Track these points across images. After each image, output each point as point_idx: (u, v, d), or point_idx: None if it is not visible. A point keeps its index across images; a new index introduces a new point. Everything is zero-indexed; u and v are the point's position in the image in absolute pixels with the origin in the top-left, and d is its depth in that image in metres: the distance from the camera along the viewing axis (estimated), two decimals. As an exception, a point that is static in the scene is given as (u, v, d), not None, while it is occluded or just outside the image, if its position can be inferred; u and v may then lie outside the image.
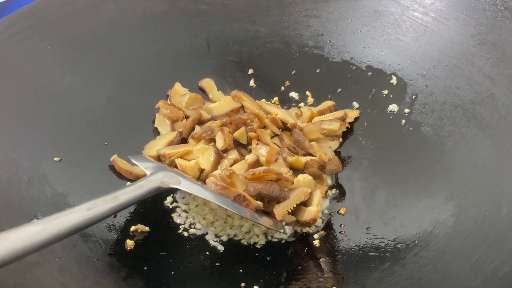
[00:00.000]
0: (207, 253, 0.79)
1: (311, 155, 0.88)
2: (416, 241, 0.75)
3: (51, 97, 0.93)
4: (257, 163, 0.84)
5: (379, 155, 0.91)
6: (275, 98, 1.03)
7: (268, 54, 1.07)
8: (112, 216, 0.81)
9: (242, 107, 0.97)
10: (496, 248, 0.67)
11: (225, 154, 0.88)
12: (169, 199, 0.87)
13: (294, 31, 1.08)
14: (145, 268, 0.74)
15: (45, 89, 0.94)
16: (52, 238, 0.60)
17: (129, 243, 0.78)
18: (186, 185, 0.77)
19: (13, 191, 0.79)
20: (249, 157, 0.85)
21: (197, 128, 0.93)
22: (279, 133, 0.93)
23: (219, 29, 1.08)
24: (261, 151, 0.86)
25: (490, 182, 0.76)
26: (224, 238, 0.81)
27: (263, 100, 1.01)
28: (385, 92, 0.98)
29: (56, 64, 0.97)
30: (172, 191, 0.88)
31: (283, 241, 0.80)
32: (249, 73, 1.06)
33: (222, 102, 0.98)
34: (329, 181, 0.89)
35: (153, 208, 0.86)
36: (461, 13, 0.93)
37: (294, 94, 1.03)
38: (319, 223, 0.83)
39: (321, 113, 0.98)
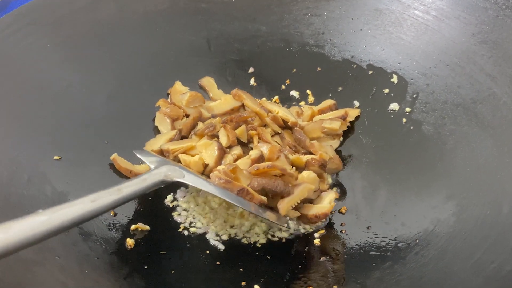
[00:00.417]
0: (208, 252, 0.79)
1: (312, 153, 0.88)
2: (417, 240, 0.75)
3: (51, 96, 0.93)
4: (261, 159, 0.84)
5: (380, 154, 0.91)
6: (276, 97, 1.03)
7: (268, 52, 1.07)
8: (112, 214, 0.81)
9: (243, 105, 0.97)
10: (497, 248, 0.67)
11: (228, 150, 0.87)
12: (169, 197, 0.87)
13: (295, 30, 1.07)
14: (146, 267, 0.74)
15: (45, 88, 0.93)
16: (56, 229, 0.59)
17: (129, 242, 0.77)
18: (190, 179, 0.76)
19: (13, 190, 0.78)
20: (253, 153, 0.85)
21: (200, 125, 0.93)
22: (280, 132, 0.93)
23: (219, 28, 1.08)
24: (262, 149, 0.86)
25: (491, 181, 0.76)
26: (225, 237, 0.81)
27: (264, 98, 1.01)
28: (386, 91, 0.97)
29: (56, 63, 0.97)
30: (173, 189, 0.88)
31: (284, 240, 0.80)
32: (249, 71, 1.06)
33: (222, 101, 0.98)
34: (329, 180, 0.89)
35: (154, 206, 0.86)
36: (463, 11, 0.93)
37: (294, 93, 1.03)
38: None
39: (322, 112, 0.97)
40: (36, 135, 0.87)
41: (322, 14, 1.06)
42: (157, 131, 0.96)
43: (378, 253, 0.75)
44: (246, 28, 1.08)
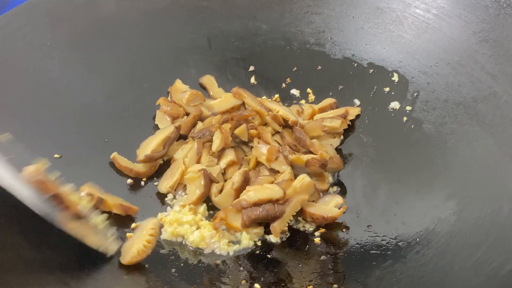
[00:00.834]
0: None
1: (312, 153, 0.87)
2: (417, 239, 0.75)
3: (51, 93, 0.93)
4: (244, 184, 0.83)
5: (381, 153, 0.91)
6: (276, 96, 1.03)
7: (269, 51, 1.07)
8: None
9: (243, 104, 0.96)
10: (498, 247, 0.67)
11: (219, 159, 0.89)
12: (169, 196, 0.86)
13: (295, 28, 1.07)
14: (146, 266, 0.74)
15: (45, 86, 0.93)
16: None
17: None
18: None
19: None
20: (235, 179, 0.83)
21: (200, 124, 0.93)
22: (280, 131, 0.93)
23: (220, 26, 1.08)
24: (262, 150, 0.86)
25: (492, 180, 0.76)
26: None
27: (264, 97, 1.01)
28: (387, 89, 0.97)
29: (56, 61, 0.97)
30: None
31: (284, 239, 0.80)
32: (250, 70, 1.06)
33: (223, 99, 0.97)
34: (330, 179, 0.89)
35: (154, 205, 0.86)
36: (463, 10, 0.93)
37: (295, 91, 1.03)
38: None
39: (323, 110, 0.97)
40: (36, 133, 0.87)
41: (323, 12, 1.06)
42: (157, 129, 0.95)
43: (379, 252, 0.75)
44: (246, 26, 1.08)
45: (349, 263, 0.75)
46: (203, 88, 1.04)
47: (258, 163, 0.88)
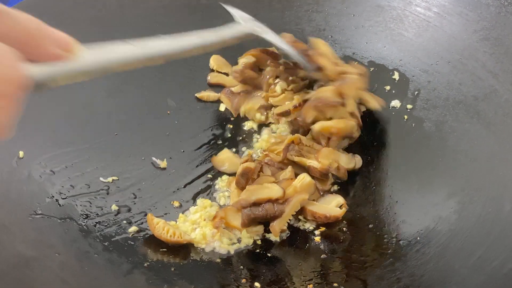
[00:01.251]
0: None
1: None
2: (418, 238, 0.75)
3: (50, 91, 0.91)
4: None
5: (381, 151, 0.91)
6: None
7: (269, 49, 1.06)
8: (114, 209, 0.81)
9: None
10: (499, 245, 0.66)
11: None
12: (176, 203, 0.86)
13: (296, 26, 1.07)
14: (145, 265, 0.74)
15: (45, 84, 0.93)
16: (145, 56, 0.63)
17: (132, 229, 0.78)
18: (270, 36, 0.87)
19: (13, 186, 0.78)
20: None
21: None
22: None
23: (220, 24, 1.07)
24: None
25: (493, 178, 0.76)
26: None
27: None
28: (387, 87, 0.97)
29: (56, 58, 0.96)
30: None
31: (284, 238, 0.80)
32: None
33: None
34: (331, 179, 0.88)
35: (157, 203, 0.86)
36: (464, 8, 0.93)
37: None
38: None
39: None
40: (36, 130, 0.87)
41: (323, 10, 1.06)
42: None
43: (379, 250, 0.75)
44: (246, 25, 1.08)
45: (349, 261, 0.74)
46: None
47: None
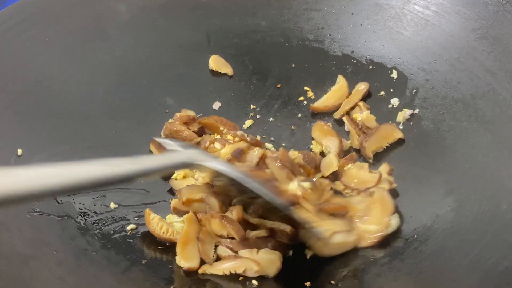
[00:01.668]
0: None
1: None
2: (415, 236, 0.75)
3: (50, 90, 0.93)
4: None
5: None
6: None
7: (268, 47, 1.06)
8: (112, 207, 0.82)
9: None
10: (495, 243, 0.66)
11: None
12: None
13: (295, 25, 1.07)
14: (143, 262, 0.74)
15: (44, 82, 0.93)
16: (61, 187, 0.54)
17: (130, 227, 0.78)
18: (214, 164, 0.73)
19: (11, 184, 0.78)
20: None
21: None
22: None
23: (218, 22, 1.08)
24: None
25: (490, 177, 0.76)
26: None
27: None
28: (386, 86, 0.97)
29: (55, 57, 0.97)
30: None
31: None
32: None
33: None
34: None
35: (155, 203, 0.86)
36: (463, 6, 0.93)
37: (294, 89, 1.03)
38: None
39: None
40: (34, 129, 0.87)
41: (322, 9, 1.06)
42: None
43: (376, 248, 0.75)
44: (245, 23, 1.08)
45: (346, 259, 0.75)
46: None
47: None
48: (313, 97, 1.01)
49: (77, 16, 1.02)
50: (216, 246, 0.76)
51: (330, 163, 0.87)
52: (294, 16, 1.07)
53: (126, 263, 0.74)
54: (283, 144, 0.96)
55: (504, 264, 0.63)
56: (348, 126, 0.94)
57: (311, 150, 0.94)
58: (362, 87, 0.98)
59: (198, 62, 1.05)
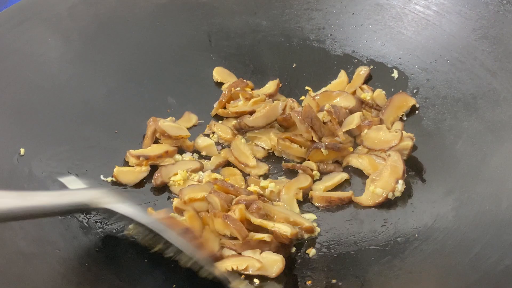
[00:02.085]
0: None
1: None
2: (416, 235, 0.75)
3: (52, 89, 0.93)
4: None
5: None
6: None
7: (269, 47, 1.07)
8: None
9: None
10: (496, 242, 0.67)
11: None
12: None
13: (296, 24, 1.07)
14: (146, 260, 0.74)
15: (46, 81, 0.94)
16: None
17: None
18: (122, 208, 0.65)
19: (13, 184, 0.79)
20: None
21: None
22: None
23: (220, 22, 1.08)
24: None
25: (491, 176, 0.76)
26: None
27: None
28: (387, 86, 0.97)
29: (57, 56, 0.97)
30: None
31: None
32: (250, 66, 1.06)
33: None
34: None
35: (158, 200, 0.86)
36: (463, 6, 0.93)
37: (294, 88, 1.03)
38: None
39: None
40: (37, 128, 0.88)
41: (323, 8, 1.06)
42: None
43: (377, 247, 0.75)
44: (246, 23, 1.08)
45: (348, 258, 0.75)
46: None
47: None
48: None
49: (78, 16, 1.02)
50: (221, 248, 0.76)
51: (352, 120, 0.89)
52: (295, 15, 1.07)
53: (128, 262, 0.74)
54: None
55: (505, 263, 0.63)
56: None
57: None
58: (362, 71, 1.00)
59: (199, 61, 1.06)
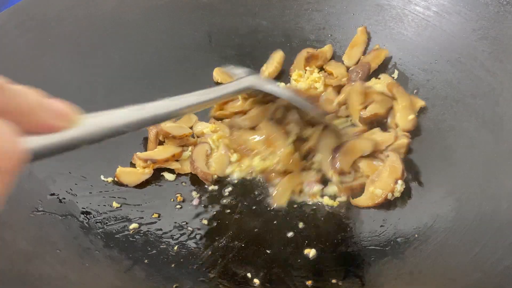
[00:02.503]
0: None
1: None
2: (416, 235, 0.75)
3: (51, 90, 0.91)
4: None
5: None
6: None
7: (269, 47, 1.06)
8: (115, 206, 0.82)
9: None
10: (495, 243, 0.67)
11: None
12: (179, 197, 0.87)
13: (296, 25, 1.07)
14: (146, 261, 0.74)
15: (46, 82, 0.93)
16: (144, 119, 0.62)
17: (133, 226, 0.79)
18: (271, 88, 0.83)
19: (14, 183, 0.79)
20: None
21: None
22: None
23: (220, 22, 1.08)
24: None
25: (491, 176, 0.76)
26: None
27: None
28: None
29: (57, 57, 0.97)
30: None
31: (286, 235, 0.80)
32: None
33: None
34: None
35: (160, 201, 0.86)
36: (463, 7, 0.93)
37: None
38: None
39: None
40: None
41: (323, 9, 1.06)
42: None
43: (377, 247, 0.75)
44: (247, 23, 1.08)
45: (348, 258, 0.75)
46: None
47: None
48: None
49: (79, 17, 1.02)
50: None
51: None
52: (295, 16, 1.08)
53: (128, 262, 0.74)
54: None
55: (505, 264, 0.63)
56: None
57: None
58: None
59: (199, 62, 1.06)
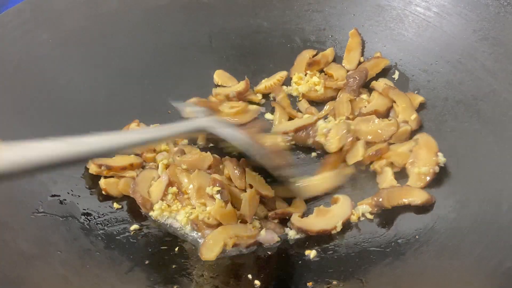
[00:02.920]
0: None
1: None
2: (417, 237, 0.75)
3: (52, 90, 0.93)
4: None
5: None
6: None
7: (270, 48, 1.07)
8: (115, 207, 0.82)
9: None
10: (497, 244, 0.67)
11: None
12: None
13: (296, 25, 1.07)
14: (146, 262, 0.74)
15: (47, 82, 0.94)
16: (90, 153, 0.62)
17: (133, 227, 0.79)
18: (226, 133, 0.79)
19: (15, 185, 0.79)
20: None
21: None
22: None
23: (221, 23, 1.08)
24: None
25: (491, 178, 0.76)
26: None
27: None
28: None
29: (58, 57, 0.97)
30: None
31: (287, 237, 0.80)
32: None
33: None
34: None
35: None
36: (464, 8, 0.93)
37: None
38: None
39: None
40: (38, 129, 0.88)
41: (324, 10, 1.06)
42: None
43: (378, 249, 0.75)
44: (247, 24, 1.08)
45: (349, 260, 0.75)
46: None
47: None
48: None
49: (80, 17, 1.02)
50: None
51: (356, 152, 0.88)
52: (296, 17, 1.08)
53: (129, 264, 0.74)
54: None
55: (506, 265, 0.63)
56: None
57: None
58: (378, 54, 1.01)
59: (200, 62, 1.06)
